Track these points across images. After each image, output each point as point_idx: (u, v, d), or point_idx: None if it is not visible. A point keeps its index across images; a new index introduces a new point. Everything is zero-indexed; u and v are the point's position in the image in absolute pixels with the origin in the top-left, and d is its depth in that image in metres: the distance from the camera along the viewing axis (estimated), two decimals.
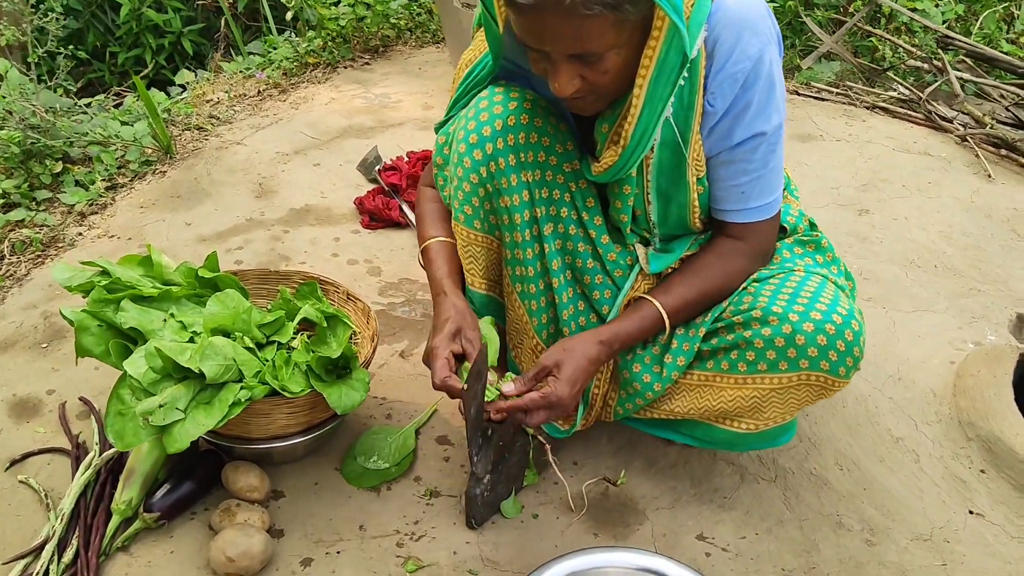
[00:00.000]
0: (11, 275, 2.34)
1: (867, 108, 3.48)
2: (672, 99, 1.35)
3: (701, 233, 1.57)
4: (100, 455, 1.67)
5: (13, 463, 1.71)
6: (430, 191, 1.69)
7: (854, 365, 1.44)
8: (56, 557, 1.50)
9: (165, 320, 1.51)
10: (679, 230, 1.56)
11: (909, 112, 3.39)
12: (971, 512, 1.75)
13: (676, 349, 1.55)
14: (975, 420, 1.91)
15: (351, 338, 1.77)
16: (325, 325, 1.71)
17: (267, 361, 1.55)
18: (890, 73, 3.72)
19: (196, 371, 1.41)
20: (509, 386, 1.44)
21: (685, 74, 1.34)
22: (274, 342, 1.63)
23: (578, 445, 1.82)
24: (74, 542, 1.52)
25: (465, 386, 1.36)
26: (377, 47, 3.92)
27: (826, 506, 1.74)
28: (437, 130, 1.64)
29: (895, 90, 3.60)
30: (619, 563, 1.38)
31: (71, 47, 5.57)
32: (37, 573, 1.47)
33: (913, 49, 3.67)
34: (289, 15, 3.79)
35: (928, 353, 2.15)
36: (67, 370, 1.94)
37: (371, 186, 2.71)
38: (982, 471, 1.84)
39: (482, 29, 1.47)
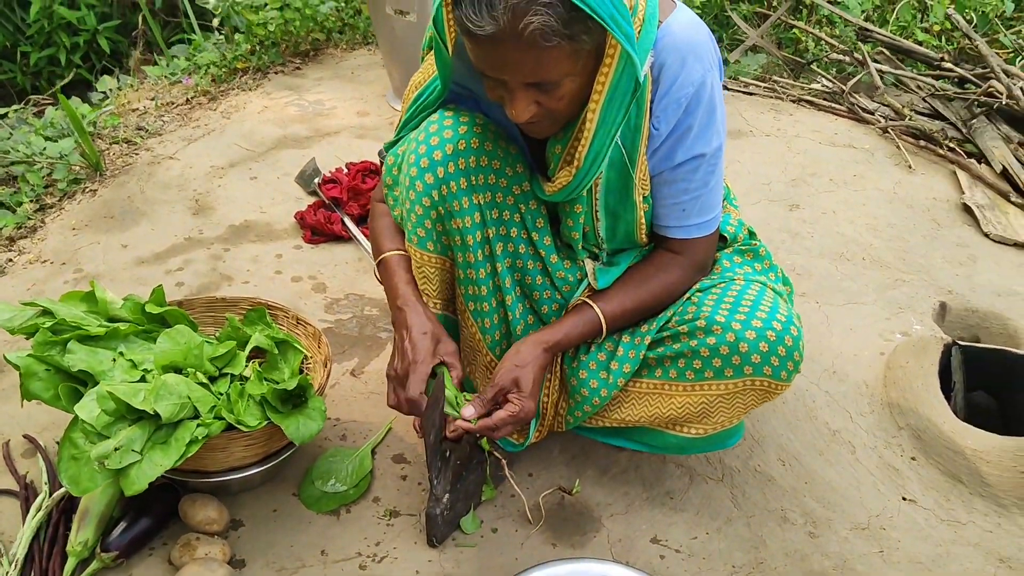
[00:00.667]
0: None
1: (793, 102, 3.59)
2: None
3: (646, 246, 1.63)
4: (50, 495, 1.65)
5: None
6: (382, 206, 1.70)
7: (795, 368, 1.51)
8: None
9: (114, 360, 1.50)
10: (626, 244, 1.61)
11: (833, 105, 3.51)
12: (904, 499, 1.85)
13: (622, 357, 1.60)
14: (905, 410, 2.01)
15: (303, 363, 1.77)
16: (276, 352, 1.72)
17: (221, 395, 1.54)
18: (814, 66, 3.83)
19: (151, 412, 1.40)
20: (468, 409, 1.48)
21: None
22: (227, 374, 1.62)
23: (533, 457, 1.86)
24: None
25: (423, 414, 1.38)
26: (307, 51, 3.88)
27: (771, 502, 1.82)
28: (386, 150, 1.66)
29: (819, 83, 3.71)
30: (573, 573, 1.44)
31: None
32: None
33: (834, 42, 3.79)
34: (216, 21, 3.72)
35: (860, 345, 2.25)
36: (7, 406, 1.90)
37: (311, 199, 2.69)
38: (913, 458, 1.94)
39: (431, 52, 1.49)
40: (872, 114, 3.38)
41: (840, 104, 3.51)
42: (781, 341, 1.48)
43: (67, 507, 1.63)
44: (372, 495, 1.77)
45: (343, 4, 4.12)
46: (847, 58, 3.69)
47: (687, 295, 1.60)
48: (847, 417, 2.04)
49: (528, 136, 1.51)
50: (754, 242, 1.71)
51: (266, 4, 3.73)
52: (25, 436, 1.83)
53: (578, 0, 1.15)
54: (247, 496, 1.73)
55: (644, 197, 1.51)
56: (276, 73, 3.69)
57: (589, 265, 1.62)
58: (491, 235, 1.54)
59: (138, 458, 1.39)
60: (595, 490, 1.81)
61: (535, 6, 1.14)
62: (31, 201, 2.69)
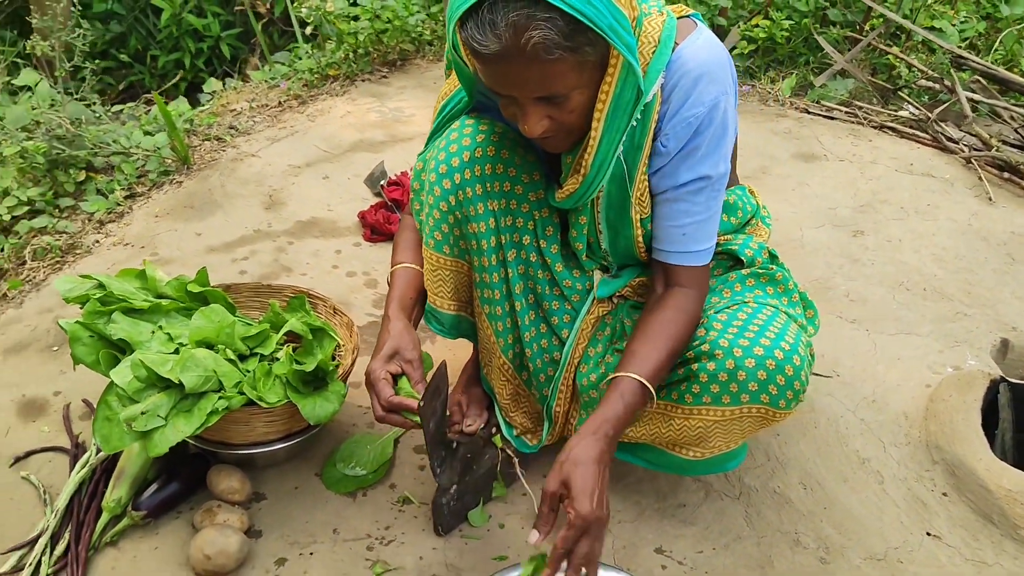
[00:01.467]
0: (30, 280, 2.48)
1: (875, 128, 3.50)
2: (623, 137, 1.43)
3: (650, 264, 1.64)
4: (96, 455, 1.79)
5: (17, 460, 1.84)
6: (409, 219, 1.77)
7: (795, 397, 1.49)
8: (49, 550, 1.62)
9: (153, 332, 1.62)
10: (630, 260, 1.63)
11: (917, 133, 3.41)
12: (928, 534, 1.80)
13: None
14: (942, 444, 1.95)
15: (335, 350, 1.86)
16: (311, 338, 1.81)
17: (248, 372, 1.65)
18: (903, 92, 3.73)
19: (176, 381, 1.51)
20: (534, 536, 1.34)
21: (638, 116, 1.41)
22: (257, 354, 1.73)
23: (549, 459, 1.87)
24: (66, 536, 1.64)
25: (421, 403, 1.44)
26: (395, 60, 4.03)
27: (785, 524, 1.80)
28: (418, 158, 1.73)
29: (906, 110, 3.61)
30: None
31: (114, 50, 5.80)
32: (30, 564, 1.59)
33: (926, 69, 3.68)
34: (308, 29, 3.91)
35: (905, 376, 2.19)
36: (73, 373, 2.06)
37: (375, 200, 2.81)
38: (944, 494, 1.88)
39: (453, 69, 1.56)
40: (956, 143, 3.27)
41: (925, 132, 3.41)
42: (781, 370, 1.46)
43: (108, 467, 1.76)
44: (389, 481, 1.84)
45: (435, 15, 4.26)
46: (937, 85, 3.58)
47: None
48: (880, 447, 1.99)
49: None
50: (771, 266, 1.69)
51: (358, 16, 3.90)
52: (84, 401, 1.99)
53: (576, 12, 1.19)
54: (272, 472, 1.83)
55: (642, 219, 1.53)
56: (364, 80, 3.85)
57: (598, 275, 1.66)
58: (504, 241, 1.59)
59: (162, 423, 1.51)
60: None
61: (535, 21, 1.18)
62: (123, 189, 2.90)
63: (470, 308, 1.74)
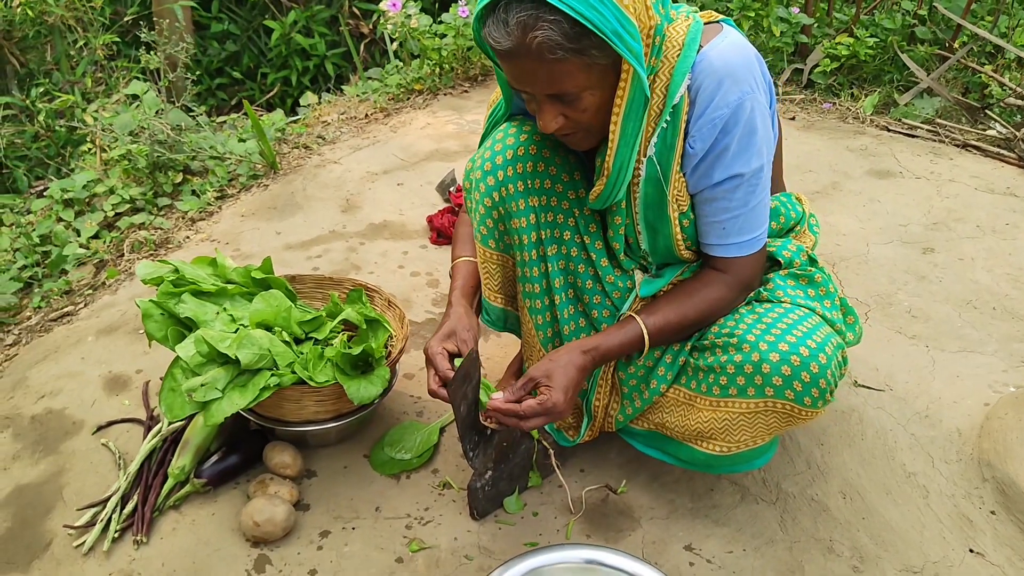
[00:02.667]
0: (126, 270, 2.69)
1: (958, 146, 3.42)
2: (655, 139, 1.49)
3: (692, 262, 1.68)
4: (168, 426, 1.94)
5: (99, 428, 2.01)
6: (466, 216, 1.88)
7: (820, 396, 1.50)
8: (119, 509, 1.77)
9: (218, 313, 1.76)
10: (670, 259, 1.67)
11: (1002, 152, 3.31)
12: (971, 551, 1.76)
13: (665, 361, 1.66)
14: (993, 462, 1.90)
15: (388, 340, 1.97)
16: (364, 327, 1.93)
17: (302, 354, 1.76)
18: (991, 111, 3.63)
19: (233, 357, 1.64)
20: (498, 395, 1.56)
21: (668, 117, 1.47)
22: (312, 338, 1.85)
23: (588, 454, 1.95)
24: (135, 498, 1.79)
25: (451, 386, 1.52)
26: (477, 76, 4.16)
27: (820, 531, 1.80)
28: (469, 160, 1.83)
29: (993, 129, 3.51)
30: (568, 559, 1.54)
31: (228, 68, 6.18)
32: (102, 520, 1.74)
33: (1017, 87, 3.57)
34: (394, 46, 4.09)
35: (963, 394, 2.14)
36: (156, 354, 2.24)
37: (444, 205, 2.93)
38: (992, 512, 1.84)
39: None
40: None
41: (1011, 151, 3.31)
42: (806, 367, 1.49)
43: (176, 438, 1.91)
44: (432, 466, 1.93)
45: None
46: None
47: (733, 311, 1.64)
48: (928, 462, 1.96)
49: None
50: (810, 268, 1.71)
51: (445, 34, 4.05)
52: (161, 379, 2.15)
53: (579, 16, 1.27)
54: (324, 451, 1.94)
55: (681, 214, 1.57)
56: (446, 95, 4.00)
57: (638, 275, 1.71)
58: (544, 237, 1.66)
59: (219, 395, 1.64)
60: (641, 494, 1.87)
61: (541, 21, 1.27)
62: (214, 190, 3.11)
63: (516, 303, 1.81)
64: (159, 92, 3.40)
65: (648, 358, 1.70)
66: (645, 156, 1.51)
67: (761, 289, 1.68)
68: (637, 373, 1.72)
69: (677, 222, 1.58)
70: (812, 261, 1.75)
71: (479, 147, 1.79)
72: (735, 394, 1.55)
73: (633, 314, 1.62)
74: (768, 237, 1.74)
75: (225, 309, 1.77)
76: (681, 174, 1.53)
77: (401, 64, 4.32)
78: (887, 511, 1.84)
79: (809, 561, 1.73)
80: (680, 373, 1.66)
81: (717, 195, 1.53)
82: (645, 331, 1.59)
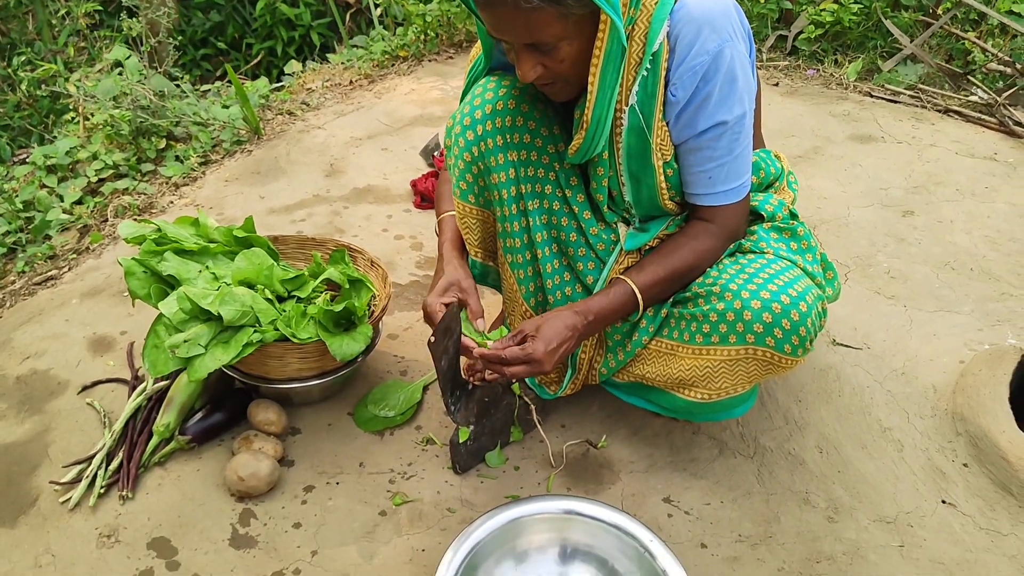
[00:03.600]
0: (110, 235, 2.69)
1: (940, 112, 3.44)
2: (636, 88, 1.50)
3: (677, 215, 1.70)
4: (152, 385, 1.95)
5: (84, 388, 2.02)
6: (446, 174, 1.88)
7: (800, 344, 1.53)
8: (104, 466, 1.78)
9: (200, 271, 1.77)
10: (654, 211, 1.69)
11: (983, 117, 3.33)
12: (944, 502, 1.80)
13: (646, 313, 1.69)
14: (967, 416, 1.94)
15: (370, 300, 1.98)
16: (348, 286, 1.94)
17: (284, 312, 1.78)
18: (974, 76, 3.64)
19: (216, 314, 1.65)
20: (490, 343, 1.60)
21: (648, 65, 1.48)
22: (295, 297, 1.86)
23: (569, 410, 1.98)
24: (120, 455, 1.81)
25: (432, 339, 1.54)
26: (461, 42, 4.15)
27: (797, 484, 1.83)
28: (450, 117, 1.84)
29: (976, 94, 3.53)
30: (547, 510, 1.58)
31: (213, 38, 6.13)
32: (87, 476, 1.75)
33: (998, 53, 3.59)
34: (378, 12, 4.06)
35: (939, 352, 2.18)
36: (140, 315, 2.25)
37: (428, 169, 2.93)
38: (965, 465, 1.88)
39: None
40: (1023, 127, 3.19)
41: (993, 117, 3.33)
42: (786, 315, 1.51)
43: (161, 396, 1.92)
44: (415, 423, 1.95)
45: None
46: (1009, 69, 3.49)
47: (717, 262, 1.66)
48: (904, 417, 1.99)
49: (566, 102, 1.64)
50: (792, 222, 1.73)
51: (429, 0, 4.03)
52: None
53: None
54: (308, 409, 1.96)
55: (665, 163, 1.59)
56: (431, 61, 3.99)
57: (622, 228, 1.72)
58: (525, 191, 1.67)
59: (202, 351, 1.65)
60: (621, 448, 1.90)
61: None
62: (198, 156, 3.10)
63: (496, 259, 1.83)
64: (141, 58, 3.38)
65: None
66: (627, 105, 1.52)
67: (744, 240, 1.70)
68: (621, 327, 1.74)
69: (661, 171, 1.59)
70: (793, 216, 1.77)
71: (460, 103, 1.80)
72: (717, 342, 1.58)
73: (621, 276, 1.63)
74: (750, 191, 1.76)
75: (207, 267, 1.78)
76: (664, 123, 1.54)
77: (386, 31, 4.30)
78: (862, 464, 1.88)
79: (785, 512, 1.77)
80: (663, 325, 1.68)
81: (702, 144, 1.54)
82: (636, 289, 1.60)
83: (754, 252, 1.67)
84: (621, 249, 1.72)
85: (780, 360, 1.56)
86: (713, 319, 1.57)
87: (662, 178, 1.61)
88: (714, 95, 1.49)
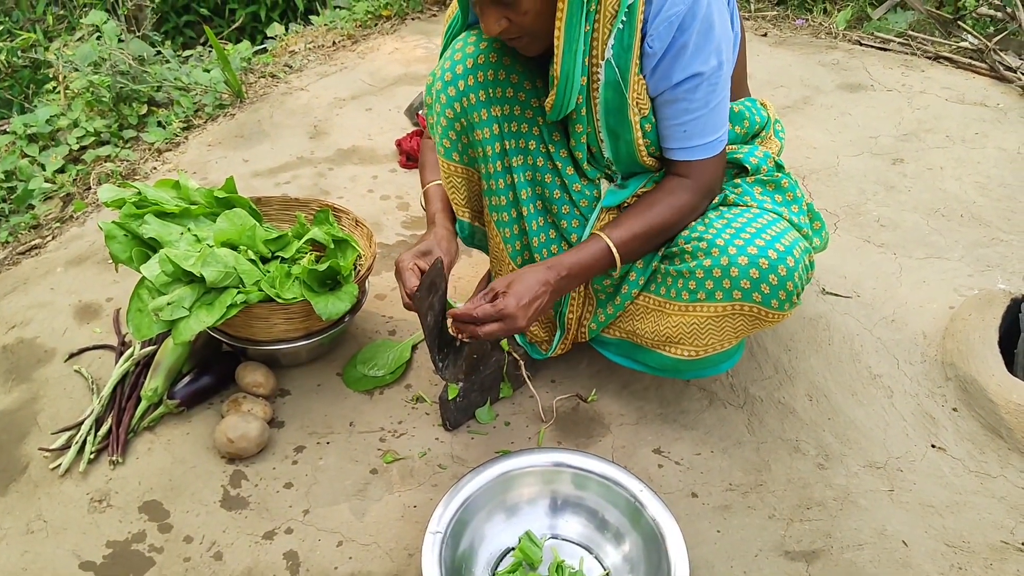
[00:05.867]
0: (93, 203, 2.66)
1: (930, 59, 3.40)
2: (612, 41, 1.47)
3: (656, 171, 1.67)
4: (139, 351, 1.94)
5: (71, 356, 2.01)
6: (429, 141, 1.85)
7: (787, 299, 1.52)
8: (93, 431, 1.78)
9: (182, 233, 1.75)
10: (634, 168, 1.66)
11: (974, 63, 3.30)
12: (933, 446, 1.81)
13: (635, 266, 1.67)
14: (956, 361, 1.94)
15: (357, 259, 1.97)
16: (332, 246, 1.92)
17: (268, 272, 1.76)
18: (964, 22, 3.60)
19: (199, 275, 1.64)
20: (461, 306, 1.55)
21: (624, 18, 1.45)
22: (279, 257, 1.84)
23: (559, 366, 1.97)
24: (109, 420, 1.80)
25: (417, 294, 1.53)
26: None
27: (787, 432, 1.84)
28: (430, 74, 1.81)
29: (966, 40, 3.49)
30: (537, 463, 1.58)
31: (195, 4, 6.03)
32: (76, 442, 1.75)
33: None
34: None
35: (929, 298, 2.17)
36: (125, 282, 2.23)
37: (413, 129, 2.89)
38: (954, 409, 1.88)
39: None
40: (1015, 72, 3.15)
41: (983, 62, 3.29)
42: (773, 270, 1.50)
43: (148, 361, 1.91)
44: (405, 382, 1.95)
45: None
46: (999, 14, 3.44)
47: (702, 217, 1.64)
48: (894, 364, 1.99)
49: (547, 60, 1.60)
50: (777, 174, 1.71)
51: None
52: None
53: None
54: (296, 371, 1.96)
55: (643, 118, 1.56)
56: (414, 19, 3.93)
57: (604, 185, 1.70)
58: (509, 147, 1.65)
59: (186, 314, 1.64)
60: (611, 402, 1.90)
61: None
62: (180, 121, 3.06)
63: (482, 218, 1.81)
64: (120, 22, 3.32)
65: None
66: (603, 60, 1.50)
67: (729, 193, 1.68)
68: (611, 281, 1.73)
69: (639, 126, 1.56)
70: (779, 167, 1.75)
71: (439, 61, 1.77)
72: (703, 298, 1.56)
73: (597, 232, 1.61)
74: (733, 143, 1.74)
75: (189, 229, 1.76)
76: (640, 76, 1.52)
77: None
78: (852, 411, 1.88)
79: (776, 460, 1.77)
80: (651, 280, 1.67)
81: (678, 96, 1.52)
82: (611, 245, 1.57)
83: (740, 205, 1.65)
84: (604, 210, 1.70)
85: (767, 315, 1.55)
86: (700, 276, 1.56)
87: (639, 134, 1.58)
88: (690, 45, 1.46)
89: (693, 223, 1.63)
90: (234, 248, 1.77)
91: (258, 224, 1.83)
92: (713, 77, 1.50)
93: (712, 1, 1.46)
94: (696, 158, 1.58)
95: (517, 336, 1.89)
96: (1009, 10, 3.40)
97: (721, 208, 1.66)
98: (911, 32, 3.59)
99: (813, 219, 1.78)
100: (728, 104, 1.58)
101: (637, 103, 1.54)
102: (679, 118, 1.54)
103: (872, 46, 3.50)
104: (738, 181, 1.70)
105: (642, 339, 1.73)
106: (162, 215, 1.77)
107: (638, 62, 1.50)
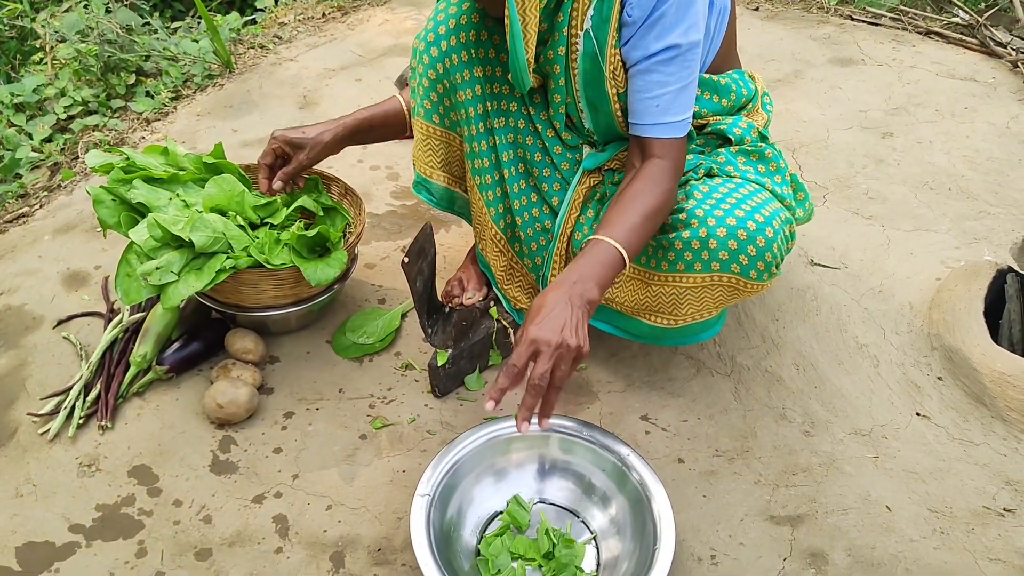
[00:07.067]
0: (81, 171, 2.64)
1: (921, 34, 3.40)
2: (591, 12, 1.46)
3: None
4: (128, 317, 1.94)
5: (60, 323, 2.00)
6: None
7: (766, 270, 1.52)
8: (82, 397, 1.78)
9: (171, 199, 1.74)
10: (614, 136, 1.66)
11: (964, 38, 3.30)
12: (918, 414, 1.83)
13: None
14: (942, 331, 1.96)
15: (346, 227, 1.97)
16: (322, 214, 1.92)
17: (257, 238, 1.76)
18: None
19: (188, 240, 1.63)
20: (489, 405, 1.33)
21: None
22: (268, 224, 1.84)
23: None
24: (98, 386, 1.80)
25: (406, 259, 1.53)
26: None
27: (773, 400, 1.85)
28: (416, 37, 1.80)
29: (957, 15, 3.49)
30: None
31: None
32: (65, 407, 1.75)
33: None
34: None
35: (916, 270, 2.18)
36: (114, 250, 2.22)
37: None
38: (939, 378, 1.90)
39: None
40: (1005, 47, 3.16)
41: (974, 37, 3.29)
42: (752, 242, 1.50)
43: (137, 327, 1.91)
44: (394, 350, 1.95)
45: None
46: None
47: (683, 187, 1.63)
48: (880, 334, 2.01)
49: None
50: (761, 144, 1.71)
51: None
52: None
53: None
54: (286, 338, 1.96)
55: (619, 94, 1.55)
56: None
57: (586, 149, 1.70)
58: (491, 109, 1.64)
59: (175, 278, 1.64)
60: (600, 369, 1.91)
61: None
62: (169, 91, 3.04)
63: (462, 184, 1.81)
64: None
65: (597, 220, 1.70)
66: (582, 30, 1.49)
67: (711, 163, 1.68)
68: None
69: (616, 99, 1.56)
70: (763, 138, 1.75)
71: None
72: (683, 269, 1.56)
73: (595, 236, 1.48)
74: (719, 114, 1.73)
75: (178, 195, 1.76)
76: (617, 50, 1.51)
77: None
78: (838, 380, 1.90)
79: (762, 427, 1.79)
80: None
81: (652, 67, 1.49)
82: (615, 244, 1.44)
83: (722, 176, 1.65)
84: (584, 170, 1.70)
85: (747, 286, 1.55)
86: (679, 247, 1.55)
87: (617, 107, 1.57)
88: (670, 14, 1.44)
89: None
90: (223, 214, 1.76)
91: (247, 190, 1.82)
92: (689, 53, 1.48)
93: None
94: (669, 135, 1.53)
95: (505, 303, 1.90)
96: None
97: (704, 178, 1.66)
98: (902, 7, 3.58)
99: (797, 190, 1.78)
100: (696, 87, 1.55)
101: (613, 76, 1.53)
102: (652, 91, 1.50)
103: (863, 21, 3.50)
104: (721, 151, 1.70)
105: (621, 306, 1.73)
106: (150, 180, 1.76)
107: (615, 34, 1.48)
